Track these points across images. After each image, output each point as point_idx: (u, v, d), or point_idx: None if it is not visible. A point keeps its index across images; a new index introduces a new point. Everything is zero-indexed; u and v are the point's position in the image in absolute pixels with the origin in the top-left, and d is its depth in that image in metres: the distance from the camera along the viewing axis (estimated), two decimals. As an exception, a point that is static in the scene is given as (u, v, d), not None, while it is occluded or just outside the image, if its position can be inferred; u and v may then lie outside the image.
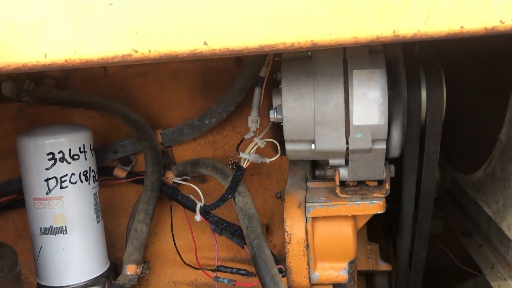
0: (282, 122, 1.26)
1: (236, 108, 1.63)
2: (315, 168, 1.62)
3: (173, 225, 1.74)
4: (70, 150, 1.49)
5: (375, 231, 1.89)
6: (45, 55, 0.86)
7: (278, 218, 1.73)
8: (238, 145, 1.41)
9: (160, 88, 1.74)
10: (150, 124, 1.68)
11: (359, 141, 1.24)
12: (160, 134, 1.68)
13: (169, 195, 1.66)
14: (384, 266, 1.73)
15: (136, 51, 0.85)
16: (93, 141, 1.74)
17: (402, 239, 1.53)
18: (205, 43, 0.82)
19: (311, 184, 1.49)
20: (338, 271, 1.41)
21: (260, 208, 1.77)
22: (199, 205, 1.56)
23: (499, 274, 1.80)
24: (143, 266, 1.64)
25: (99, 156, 1.73)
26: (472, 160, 1.69)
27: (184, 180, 1.68)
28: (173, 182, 1.69)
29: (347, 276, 1.40)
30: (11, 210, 1.81)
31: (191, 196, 1.62)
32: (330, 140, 1.25)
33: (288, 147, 1.31)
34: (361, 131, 1.23)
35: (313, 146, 1.27)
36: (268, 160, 1.42)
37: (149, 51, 0.84)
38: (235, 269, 1.51)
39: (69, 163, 1.49)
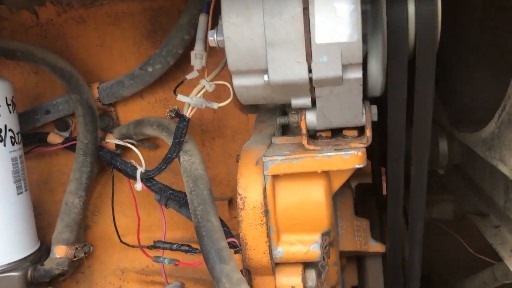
0: (221, 46, 0.96)
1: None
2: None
3: (116, 201, 1.44)
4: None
5: (366, 207, 1.58)
6: None
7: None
8: (177, 87, 1.11)
9: (100, 36, 1.45)
10: (88, 79, 1.39)
11: (325, 66, 0.93)
12: (97, 88, 1.39)
13: (107, 161, 1.36)
14: (376, 247, 1.41)
15: None
16: (25, 103, 1.47)
17: (392, 208, 1.22)
18: None
19: (276, 140, 1.18)
20: (308, 245, 1.09)
21: (224, 178, 1.48)
22: (139, 170, 1.27)
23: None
24: (76, 248, 1.34)
25: (28, 119, 1.45)
26: (481, 112, 1.37)
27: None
28: (116, 146, 1.39)
29: (320, 251, 1.08)
30: None
31: (133, 161, 1.33)
32: (287, 67, 0.94)
33: (236, 81, 1.00)
34: (327, 52, 0.92)
35: (266, 78, 0.96)
36: (216, 105, 1.12)
37: None
38: (175, 245, 1.19)
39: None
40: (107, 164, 1.37)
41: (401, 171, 1.18)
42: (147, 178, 1.26)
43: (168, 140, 1.27)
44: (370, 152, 1.86)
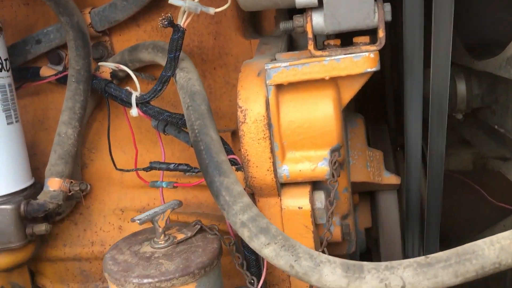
0: None
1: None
2: (296, 43, 1.23)
3: (114, 138, 1.37)
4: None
5: (379, 139, 1.48)
6: None
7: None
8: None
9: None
10: (80, 5, 1.30)
11: None
12: (89, 13, 1.30)
13: (101, 89, 1.27)
14: (390, 179, 1.31)
15: None
16: (16, 37, 1.39)
17: (411, 140, 1.11)
18: None
19: (280, 56, 1.09)
20: (316, 162, 0.99)
21: (227, 111, 1.38)
22: (134, 94, 1.17)
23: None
24: (71, 182, 1.26)
25: (19, 50, 1.37)
26: (503, 33, 1.26)
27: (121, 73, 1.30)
28: (111, 74, 1.30)
29: (329, 168, 0.99)
30: None
31: (128, 88, 1.24)
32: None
33: (232, -27, 0.91)
34: None
35: (265, -34, 0.86)
36: (212, 10, 1.01)
37: None
38: (172, 165, 1.11)
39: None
40: (101, 93, 1.28)
41: (418, 96, 1.08)
42: (142, 103, 1.17)
43: (163, 61, 1.18)
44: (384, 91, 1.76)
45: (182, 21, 1.03)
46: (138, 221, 0.92)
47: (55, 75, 1.36)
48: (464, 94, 1.74)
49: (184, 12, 1.03)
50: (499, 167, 1.76)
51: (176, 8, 1.30)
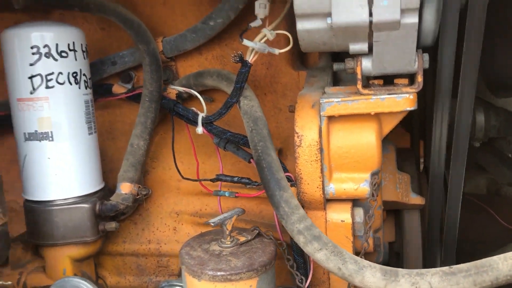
0: (291, -9, 1.06)
1: (247, 10, 1.42)
2: (340, 76, 1.42)
3: (175, 150, 1.55)
4: (57, 45, 1.33)
5: (407, 163, 1.66)
6: None
7: (292, 141, 1.52)
8: (242, 33, 1.21)
9: (164, -6, 1.56)
10: (152, 34, 1.50)
11: (385, 10, 1.02)
12: (161, 41, 1.50)
13: (170, 108, 1.47)
14: (416, 200, 1.49)
15: None
16: (92, 56, 1.59)
17: (435, 135, 1.28)
18: None
19: (329, 89, 1.28)
20: (358, 183, 1.18)
21: (274, 132, 1.56)
22: (201, 115, 1.37)
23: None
24: (139, 187, 1.46)
25: (96, 69, 1.57)
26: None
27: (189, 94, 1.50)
28: (176, 95, 1.50)
29: (369, 189, 1.17)
30: (6, 134, 1.67)
31: (194, 108, 1.43)
32: (349, 10, 1.03)
33: (300, 25, 1.10)
34: (387, -3, 1.01)
35: (329, 21, 1.05)
36: (277, 51, 1.21)
37: None
38: (236, 178, 1.30)
39: (56, 60, 1.33)
40: (169, 112, 1.48)
41: (445, 128, 1.25)
42: (207, 123, 1.36)
43: (227, 89, 1.38)
44: (410, 123, 1.93)
45: (250, 58, 1.22)
46: (212, 224, 1.11)
47: (126, 93, 1.56)
48: (482, 124, 1.92)
49: (252, 50, 1.22)
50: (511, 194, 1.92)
51: (231, 38, 1.53)
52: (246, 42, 1.18)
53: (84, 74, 1.40)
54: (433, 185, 1.34)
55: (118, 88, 1.58)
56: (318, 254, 1.03)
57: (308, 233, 1.04)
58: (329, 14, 1.05)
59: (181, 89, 1.45)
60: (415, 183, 1.56)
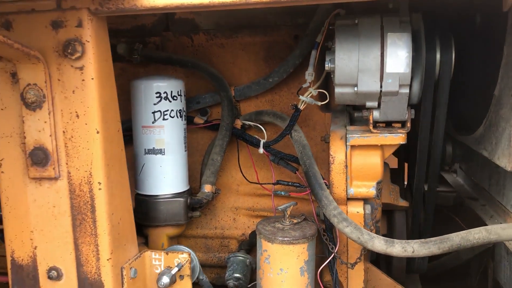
0: (333, 70, 1.75)
1: (292, 73, 2.12)
2: (352, 117, 2.11)
3: (235, 164, 2.23)
4: (171, 92, 2.00)
5: (396, 178, 2.35)
6: (197, -1, 1.38)
7: (320, 160, 2.19)
8: (298, 91, 1.91)
9: (233, 57, 2.25)
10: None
11: (389, 84, 1.72)
12: (233, 89, 2.19)
13: (238, 135, 2.15)
14: (403, 203, 2.18)
15: (255, -2, 1.35)
16: (178, 96, 2.26)
17: (419, 165, 1.98)
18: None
19: (349, 128, 1.97)
20: (368, 188, 1.87)
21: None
22: (262, 141, 2.05)
23: (496, 221, 2.25)
24: (215, 188, 2.13)
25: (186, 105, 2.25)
26: (476, 121, 2.15)
27: (248, 125, 2.19)
28: (241, 125, 2.18)
29: (375, 192, 1.86)
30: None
31: (257, 136, 2.11)
32: (368, 84, 1.73)
33: (337, 90, 1.80)
34: (391, 77, 1.71)
35: (355, 89, 1.76)
36: (320, 103, 1.90)
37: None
38: (290, 183, 1.99)
39: (170, 101, 2.00)
40: (238, 137, 2.16)
41: (426, 144, 1.95)
42: (267, 146, 2.04)
43: (281, 124, 2.06)
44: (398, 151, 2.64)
45: (301, 107, 1.91)
46: (280, 209, 1.78)
47: (204, 123, 2.24)
48: (451, 153, 2.64)
49: (303, 102, 1.91)
50: (470, 205, 2.63)
51: (279, 89, 2.22)
52: (301, 97, 1.87)
53: (184, 111, 2.07)
54: (416, 193, 2.04)
55: (198, 120, 2.26)
56: (346, 229, 1.70)
57: (340, 216, 1.72)
58: (355, 85, 1.75)
59: (250, 123, 2.13)
60: (402, 193, 2.25)
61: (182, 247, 1.96)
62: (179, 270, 1.74)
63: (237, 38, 2.23)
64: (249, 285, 2.06)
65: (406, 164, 2.67)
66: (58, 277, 1.58)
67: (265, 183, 2.12)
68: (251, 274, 2.09)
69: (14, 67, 1.51)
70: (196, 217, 2.13)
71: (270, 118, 2.12)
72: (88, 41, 1.46)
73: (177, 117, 2.04)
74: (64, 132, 1.52)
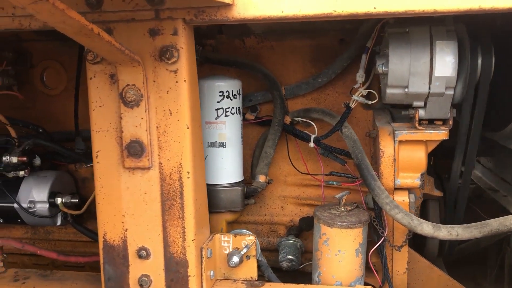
0: (385, 73, 1.96)
1: (338, 74, 2.33)
2: (392, 115, 2.30)
3: (283, 156, 2.44)
4: (232, 91, 2.20)
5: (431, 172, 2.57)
6: (282, 11, 1.57)
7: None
8: (350, 91, 2.12)
9: (282, 58, 2.45)
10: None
11: (437, 87, 1.93)
12: (284, 88, 2.39)
13: (289, 131, 2.35)
14: (437, 193, 2.40)
15: (335, 11, 1.55)
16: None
17: (456, 158, 2.20)
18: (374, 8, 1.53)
19: (394, 125, 2.18)
20: (414, 179, 2.09)
21: (349, 148, 2.46)
22: (313, 136, 2.25)
23: (519, 211, 2.47)
24: (268, 179, 2.33)
25: (236, 103, 2.44)
26: (505, 118, 2.37)
27: (297, 121, 2.39)
28: (291, 121, 2.37)
29: (420, 182, 2.08)
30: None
31: (307, 132, 2.32)
32: (418, 85, 1.94)
33: (388, 91, 2.00)
34: (439, 80, 1.92)
35: (406, 90, 1.96)
36: (370, 102, 2.11)
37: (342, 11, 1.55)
38: (343, 174, 2.20)
39: (231, 100, 2.20)
40: (288, 132, 2.36)
41: (464, 140, 2.16)
42: (317, 141, 2.24)
43: (330, 121, 2.26)
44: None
45: (352, 105, 2.12)
46: (337, 197, 1.99)
47: (255, 119, 2.44)
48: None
49: (354, 101, 2.11)
50: (492, 195, 2.84)
51: (324, 87, 2.42)
52: (354, 96, 2.08)
53: (241, 108, 2.27)
54: (452, 184, 2.26)
55: (249, 116, 2.46)
56: (398, 215, 1.92)
57: (391, 204, 1.94)
58: (406, 87, 1.96)
59: (302, 119, 2.33)
60: (437, 184, 2.47)
61: (245, 230, 2.17)
62: (248, 250, 1.95)
63: (286, 41, 2.43)
64: (301, 266, 2.27)
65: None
66: (147, 256, 1.78)
67: (317, 174, 2.33)
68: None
69: (113, 69, 1.70)
70: (251, 204, 2.33)
71: (318, 115, 2.32)
72: (182, 48, 1.66)
73: (236, 114, 2.23)
74: (157, 127, 1.71)
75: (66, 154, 2.46)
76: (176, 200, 1.74)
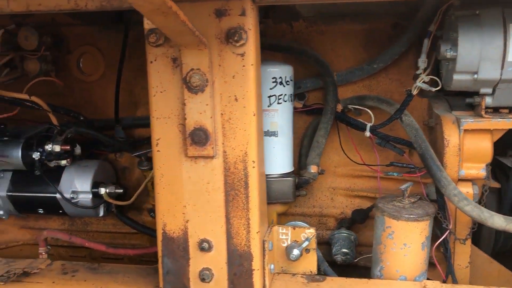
0: (452, 58, 1.86)
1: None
2: (450, 103, 2.20)
3: (333, 146, 2.35)
4: (285, 77, 2.10)
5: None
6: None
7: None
8: (414, 77, 2.02)
9: (332, 44, 2.35)
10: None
11: (509, 73, 1.83)
12: (336, 74, 2.29)
13: (341, 119, 2.26)
14: (495, 184, 2.30)
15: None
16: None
17: None
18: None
19: (456, 113, 2.08)
20: (478, 170, 2.00)
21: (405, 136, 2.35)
22: (369, 125, 2.16)
23: None
24: (320, 169, 2.24)
25: (284, 90, 2.34)
26: None
27: (349, 109, 2.29)
28: (343, 109, 2.27)
29: (486, 173, 1.99)
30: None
31: (361, 120, 2.22)
32: (489, 72, 1.84)
33: (456, 77, 1.90)
34: (512, 66, 1.82)
35: (475, 76, 1.86)
36: (433, 89, 2.00)
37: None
38: (405, 164, 2.10)
39: (284, 86, 2.10)
40: (341, 121, 2.26)
41: None
42: (373, 129, 2.15)
43: (387, 109, 2.16)
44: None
45: (414, 92, 2.02)
46: (402, 188, 1.90)
47: (303, 107, 2.34)
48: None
49: (416, 87, 2.01)
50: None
51: (376, 74, 2.32)
52: (417, 83, 1.98)
53: (293, 95, 2.18)
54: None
55: (297, 104, 2.36)
56: (467, 207, 1.83)
57: (460, 196, 1.84)
58: (475, 73, 1.86)
59: (358, 106, 2.23)
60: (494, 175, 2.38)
61: (301, 223, 2.09)
62: (309, 243, 1.87)
63: (337, 25, 2.33)
64: (356, 259, 2.19)
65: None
66: (209, 248, 1.70)
67: (375, 165, 2.23)
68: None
69: (175, 52, 1.61)
70: (302, 196, 2.24)
71: (374, 103, 2.23)
72: (250, 29, 1.56)
73: (289, 101, 2.14)
74: (222, 114, 1.62)
75: (110, 143, 2.38)
76: (240, 190, 1.66)
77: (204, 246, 1.69)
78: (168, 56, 1.62)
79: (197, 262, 1.72)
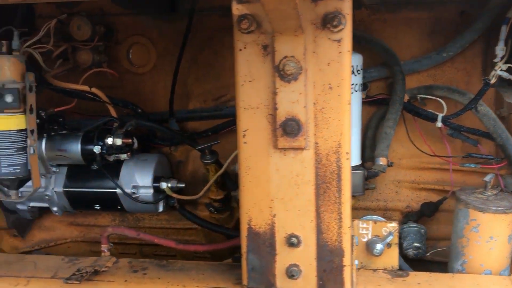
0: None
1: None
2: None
3: (399, 139, 2.28)
4: (357, 66, 2.04)
5: None
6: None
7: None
8: (492, 66, 1.96)
9: (395, 32, 2.28)
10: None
11: None
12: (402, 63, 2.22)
13: (410, 110, 2.20)
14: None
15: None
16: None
17: None
18: None
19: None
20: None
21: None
22: (440, 115, 2.10)
23: None
24: (389, 161, 2.18)
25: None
26: None
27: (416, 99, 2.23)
28: (409, 99, 2.21)
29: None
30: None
31: (431, 110, 2.15)
32: None
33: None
34: None
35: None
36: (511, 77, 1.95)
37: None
38: (484, 155, 2.04)
39: (355, 75, 2.04)
40: (409, 111, 2.20)
41: None
42: (445, 120, 2.09)
43: (459, 98, 2.10)
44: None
45: (492, 80, 1.96)
46: (486, 180, 1.84)
47: (366, 98, 2.27)
48: None
49: (494, 75, 1.95)
50: None
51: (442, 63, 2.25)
52: (498, 71, 1.91)
53: (362, 85, 2.11)
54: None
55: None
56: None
57: (547, 186, 1.79)
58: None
59: (425, 96, 2.16)
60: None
61: (378, 217, 2.02)
62: (392, 238, 1.80)
63: (401, 13, 2.26)
64: (427, 254, 2.13)
65: None
66: (298, 243, 1.63)
67: (450, 156, 2.17)
68: (425, 243, 2.17)
69: (266, 39, 1.53)
70: (371, 189, 2.18)
71: (443, 93, 2.16)
72: (348, 14, 1.49)
73: (359, 91, 2.07)
74: (314, 103, 1.55)
75: (170, 136, 2.30)
76: (332, 183, 1.59)
77: (293, 242, 1.62)
78: (259, 43, 1.54)
79: (283, 258, 1.65)
